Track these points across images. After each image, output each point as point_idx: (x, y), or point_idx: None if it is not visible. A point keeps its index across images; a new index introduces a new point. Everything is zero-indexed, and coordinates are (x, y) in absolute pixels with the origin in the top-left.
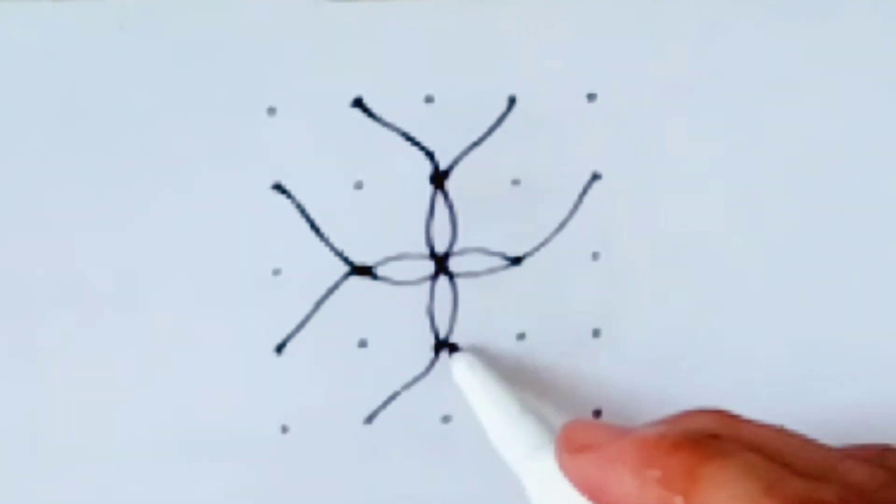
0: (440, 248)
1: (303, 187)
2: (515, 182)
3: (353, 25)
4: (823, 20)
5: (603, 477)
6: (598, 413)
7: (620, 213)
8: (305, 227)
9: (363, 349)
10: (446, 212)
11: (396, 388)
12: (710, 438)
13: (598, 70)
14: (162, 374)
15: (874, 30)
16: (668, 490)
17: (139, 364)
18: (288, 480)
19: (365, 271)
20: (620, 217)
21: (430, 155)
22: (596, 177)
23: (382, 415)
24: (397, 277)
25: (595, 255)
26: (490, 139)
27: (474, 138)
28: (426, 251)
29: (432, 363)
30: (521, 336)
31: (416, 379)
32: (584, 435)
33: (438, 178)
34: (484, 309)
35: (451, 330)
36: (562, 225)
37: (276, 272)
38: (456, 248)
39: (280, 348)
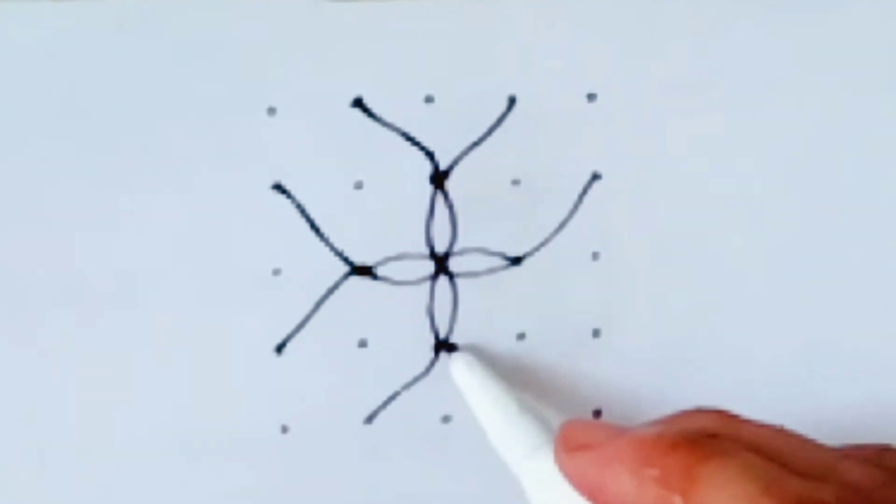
0: (440, 248)
1: (303, 187)
2: (515, 182)
3: (353, 25)
4: (823, 20)
5: (601, 476)
6: (598, 413)
7: (620, 213)
8: (305, 227)
9: (363, 349)
10: (446, 212)
11: (396, 388)
12: (708, 438)
13: (598, 70)
14: (162, 374)
15: (874, 29)
16: (666, 489)
17: (139, 364)
18: (288, 480)
19: (365, 271)
20: (620, 217)
21: (430, 155)
22: (596, 177)
23: (382, 415)
24: (397, 277)
25: (595, 255)
26: (490, 139)
27: (474, 138)
28: (426, 251)
29: (432, 363)
30: (521, 336)
31: (416, 379)
32: (583, 434)
33: (438, 178)
34: (484, 309)
35: (451, 330)
36: (562, 225)
37: (276, 272)
38: (456, 248)
39: (280, 348)
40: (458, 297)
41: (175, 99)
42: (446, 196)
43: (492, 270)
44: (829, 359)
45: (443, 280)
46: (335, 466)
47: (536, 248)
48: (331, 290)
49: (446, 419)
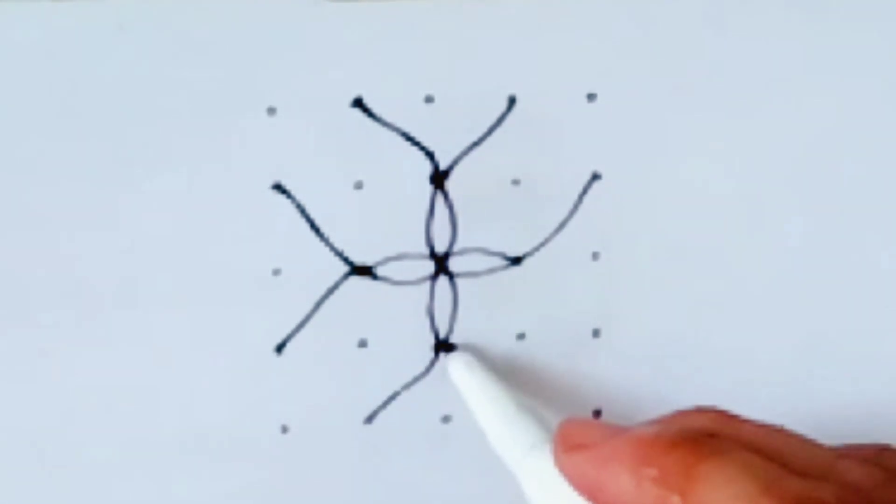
0: (440, 248)
1: (303, 187)
2: (515, 182)
3: (353, 25)
4: (824, 19)
5: (599, 475)
6: (597, 413)
7: (620, 213)
8: (305, 227)
9: (363, 349)
10: (446, 212)
11: (396, 388)
12: (707, 437)
13: (598, 70)
14: (162, 374)
15: (874, 28)
16: (664, 489)
17: (139, 364)
18: (288, 480)
19: (365, 271)
20: (620, 217)
21: (430, 155)
22: (596, 177)
23: (382, 415)
24: (397, 277)
25: (595, 255)
26: (490, 139)
27: (474, 138)
28: (426, 251)
29: (432, 363)
30: (520, 336)
31: (416, 379)
32: (581, 433)
33: (438, 178)
34: (484, 309)
35: (451, 330)
36: (562, 225)
37: (276, 272)
38: (456, 248)
39: (280, 348)
40: (458, 297)
41: (175, 99)
42: (446, 196)
43: (492, 270)
44: (829, 359)
45: (443, 280)
46: (335, 466)
47: (536, 248)
48: (331, 290)
49: (446, 419)
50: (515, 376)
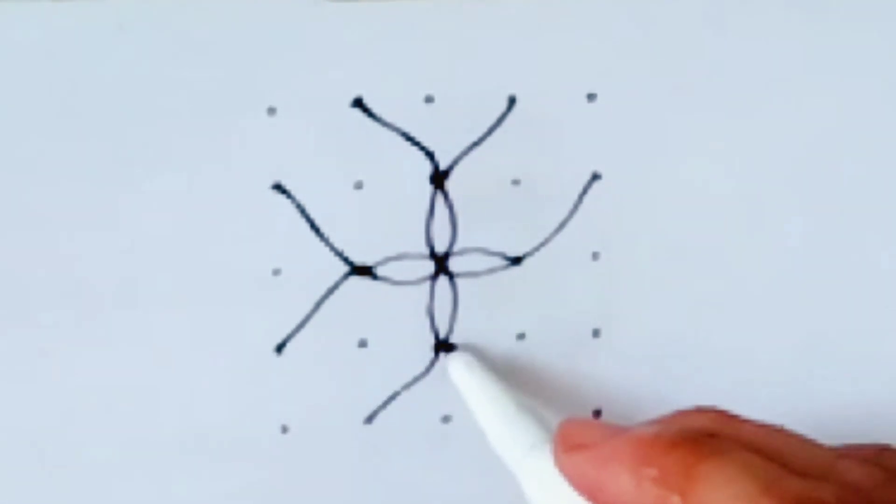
0: (440, 248)
1: (303, 187)
2: (515, 182)
3: (353, 25)
4: (824, 19)
5: (599, 475)
6: (597, 413)
7: (620, 213)
8: (305, 227)
9: (363, 349)
10: (446, 212)
11: (396, 388)
12: (707, 437)
13: (598, 70)
14: (162, 374)
15: (874, 28)
16: (664, 489)
17: (139, 364)
18: (288, 480)
19: (365, 271)
20: (620, 217)
21: (430, 155)
22: (596, 177)
23: (382, 415)
24: (397, 277)
25: (595, 255)
26: (490, 139)
27: (474, 138)
28: (426, 251)
29: (432, 363)
30: (521, 336)
31: (416, 379)
32: (581, 433)
33: (438, 178)
34: (484, 309)
35: (451, 330)
36: (562, 225)
37: (276, 272)
38: (456, 248)
39: (280, 348)
40: (458, 297)
41: (175, 99)
42: (446, 196)
43: (492, 270)
44: (829, 359)
45: (443, 280)
46: (335, 466)
47: (536, 248)
48: (331, 290)
49: (446, 419)
50: (515, 376)
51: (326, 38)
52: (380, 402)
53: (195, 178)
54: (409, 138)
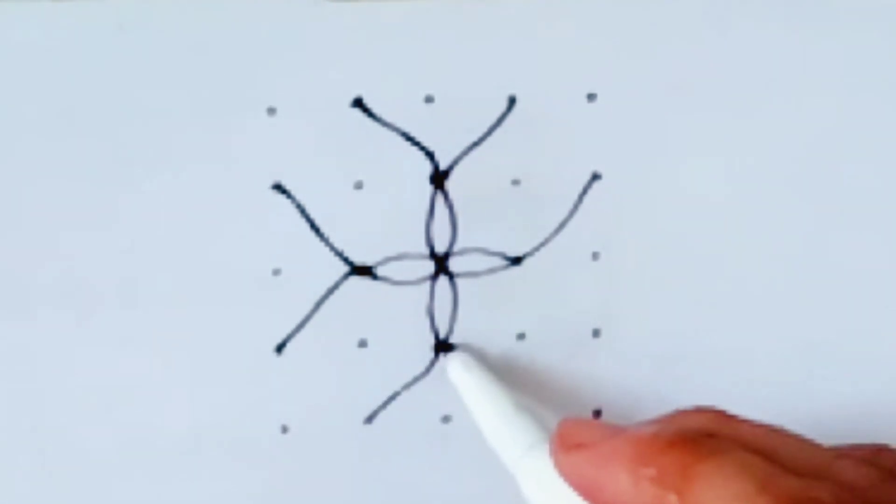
0: (440, 248)
1: (303, 187)
2: (515, 182)
3: (353, 25)
4: (824, 19)
5: (597, 475)
6: (597, 413)
7: (620, 213)
8: (305, 227)
9: (363, 349)
10: (446, 212)
11: (396, 388)
12: (704, 437)
13: (598, 70)
14: (162, 374)
15: (874, 28)
16: (662, 488)
17: (139, 364)
18: (288, 480)
19: (365, 271)
20: (620, 217)
21: (430, 155)
22: (596, 177)
23: (382, 415)
24: (397, 277)
25: (595, 255)
26: (490, 139)
27: (474, 138)
28: (426, 251)
29: (432, 363)
30: (521, 336)
31: (416, 379)
32: (579, 433)
33: (438, 178)
34: (484, 309)
35: (451, 330)
36: (562, 225)
37: (276, 272)
38: (456, 248)
39: (280, 348)
40: (458, 297)
41: (175, 99)
42: (446, 196)
43: (492, 270)
44: (829, 359)
45: (443, 280)
46: (335, 466)
47: (536, 248)
48: (331, 290)
49: (446, 419)
50: (515, 376)
51: (326, 38)
52: (380, 402)
53: (195, 178)
54: (409, 138)
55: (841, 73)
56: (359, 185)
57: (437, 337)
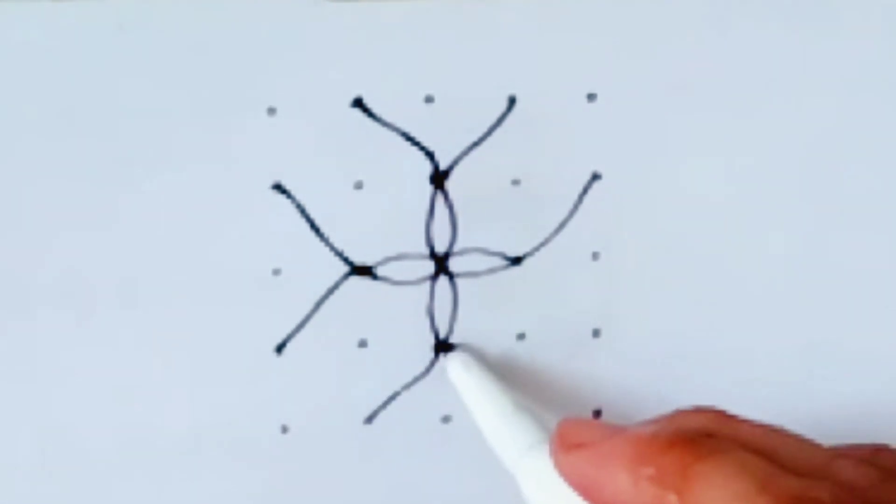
0: (440, 248)
1: (303, 187)
2: (515, 182)
3: (353, 25)
4: (824, 19)
5: (597, 475)
6: (597, 413)
7: (620, 213)
8: (305, 227)
9: (363, 349)
10: (446, 212)
11: (396, 388)
12: (704, 437)
13: (598, 70)
14: (162, 374)
15: (874, 28)
16: (661, 488)
17: (139, 364)
18: (288, 480)
19: (365, 271)
20: (620, 217)
21: (430, 155)
22: (596, 177)
23: (382, 415)
24: (397, 277)
25: (595, 255)
26: (490, 139)
27: (474, 138)
28: (426, 251)
29: (432, 363)
30: (521, 336)
31: (416, 379)
32: (579, 433)
33: (438, 178)
34: (484, 309)
35: (451, 330)
36: (562, 225)
37: (276, 272)
38: (456, 248)
39: (280, 348)
40: (458, 297)
41: (175, 99)
42: (446, 196)
43: (492, 270)
44: (829, 359)
45: (443, 280)
46: (335, 466)
47: (536, 248)
48: (331, 290)
49: (446, 419)
50: (515, 376)
51: (326, 38)
52: (380, 402)
53: (195, 178)
54: (409, 138)
55: (841, 73)
56: (359, 185)
57: (437, 337)
